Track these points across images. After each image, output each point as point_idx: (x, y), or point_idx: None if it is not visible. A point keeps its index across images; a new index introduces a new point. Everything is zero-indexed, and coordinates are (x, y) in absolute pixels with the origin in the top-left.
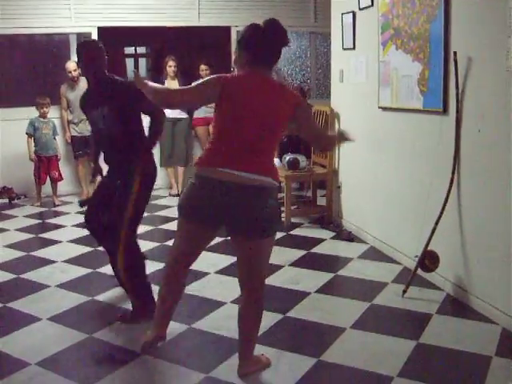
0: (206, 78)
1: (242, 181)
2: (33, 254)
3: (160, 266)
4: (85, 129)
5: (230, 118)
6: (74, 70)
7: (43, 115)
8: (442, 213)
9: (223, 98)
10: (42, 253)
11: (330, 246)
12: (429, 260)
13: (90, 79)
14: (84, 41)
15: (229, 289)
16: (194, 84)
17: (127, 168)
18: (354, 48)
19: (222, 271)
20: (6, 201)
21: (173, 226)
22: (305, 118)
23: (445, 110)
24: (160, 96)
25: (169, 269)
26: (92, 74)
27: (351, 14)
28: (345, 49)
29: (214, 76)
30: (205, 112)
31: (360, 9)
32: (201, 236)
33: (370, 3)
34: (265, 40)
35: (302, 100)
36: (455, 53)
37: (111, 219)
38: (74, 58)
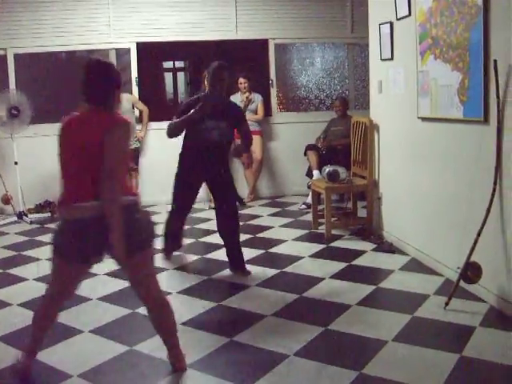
0: None
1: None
2: None
3: (201, 278)
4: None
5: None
6: None
7: None
8: (484, 224)
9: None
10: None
11: (370, 258)
12: (471, 271)
13: (218, 94)
14: (219, 63)
15: (269, 301)
16: None
17: (224, 163)
18: (392, 58)
19: (263, 284)
20: (49, 214)
21: (213, 238)
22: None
23: (485, 120)
24: None
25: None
26: (220, 91)
27: (389, 24)
28: (383, 59)
29: None
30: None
31: (397, 19)
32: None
33: (408, 13)
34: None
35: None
36: (495, 61)
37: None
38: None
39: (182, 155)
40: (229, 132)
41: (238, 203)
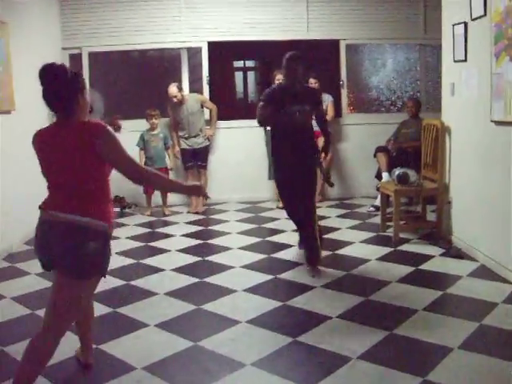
0: None
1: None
2: (142, 261)
3: (267, 277)
4: (194, 142)
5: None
6: (175, 96)
7: (152, 126)
8: None
9: None
10: (151, 261)
11: (438, 263)
12: None
13: (292, 82)
14: (290, 55)
15: (334, 303)
16: None
17: (312, 147)
18: (465, 60)
19: (329, 285)
20: (118, 209)
21: (280, 238)
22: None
23: None
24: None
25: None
26: (294, 80)
27: (463, 24)
28: (456, 61)
29: None
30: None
31: (472, 19)
32: None
33: (483, 13)
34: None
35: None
36: None
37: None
38: (186, 72)
39: (273, 145)
40: (311, 114)
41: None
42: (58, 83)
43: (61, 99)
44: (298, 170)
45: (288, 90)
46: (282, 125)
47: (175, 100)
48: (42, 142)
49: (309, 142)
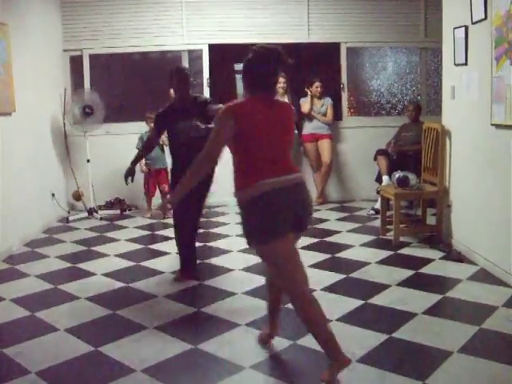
0: (217, 119)
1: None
2: (142, 264)
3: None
4: None
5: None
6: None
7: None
8: None
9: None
10: (150, 263)
11: (438, 267)
12: None
13: (180, 98)
14: (177, 67)
15: (334, 307)
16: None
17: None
18: (466, 63)
19: (328, 288)
20: (118, 212)
21: None
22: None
23: None
24: (198, 174)
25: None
26: (183, 94)
27: (463, 28)
28: (456, 64)
29: (225, 113)
30: (312, 128)
31: (473, 23)
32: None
33: (484, 16)
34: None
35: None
36: None
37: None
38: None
39: (173, 165)
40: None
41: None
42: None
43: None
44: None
45: (177, 106)
46: (176, 144)
47: None
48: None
49: None
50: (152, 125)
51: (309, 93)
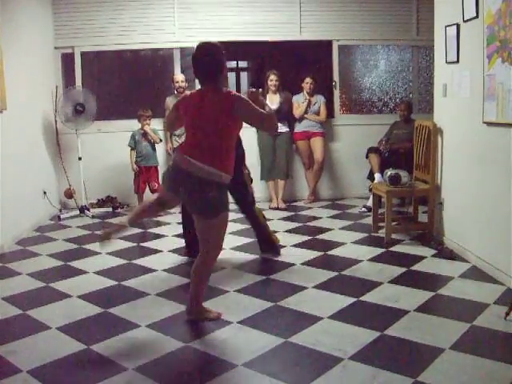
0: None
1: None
2: (134, 262)
3: (259, 277)
4: None
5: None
6: (182, 81)
7: (144, 130)
8: None
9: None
10: (142, 261)
11: (430, 264)
12: None
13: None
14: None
15: (326, 304)
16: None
17: None
18: (457, 61)
19: (320, 286)
20: (110, 209)
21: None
22: (245, 110)
23: None
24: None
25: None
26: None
27: (455, 26)
28: (448, 62)
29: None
30: (305, 126)
31: (464, 21)
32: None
33: (475, 15)
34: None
35: (237, 97)
36: None
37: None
38: (178, 71)
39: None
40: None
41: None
42: (214, 58)
43: (213, 71)
44: None
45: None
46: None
47: (180, 87)
48: (189, 103)
49: None
50: (145, 122)
51: (305, 94)
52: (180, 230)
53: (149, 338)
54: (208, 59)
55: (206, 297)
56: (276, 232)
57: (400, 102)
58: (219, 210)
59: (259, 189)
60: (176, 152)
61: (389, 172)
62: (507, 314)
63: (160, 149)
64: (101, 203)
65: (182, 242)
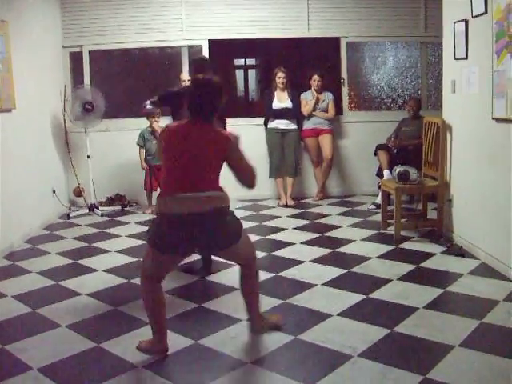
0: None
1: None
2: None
3: (268, 275)
4: None
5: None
6: (188, 80)
7: (153, 128)
8: None
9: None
10: None
11: (439, 261)
12: None
13: None
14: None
15: (335, 301)
16: None
17: None
18: (466, 58)
19: (329, 283)
20: (119, 207)
21: (281, 235)
22: (235, 157)
23: None
24: None
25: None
26: None
27: (463, 22)
28: (457, 58)
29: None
30: (313, 123)
31: (473, 17)
32: None
33: (484, 10)
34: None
35: (233, 143)
36: None
37: None
38: (186, 69)
39: None
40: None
41: None
42: (213, 95)
43: (210, 107)
44: None
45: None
46: None
47: (185, 85)
48: (175, 135)
49: None
50: (153, 120)
51: (313, 93)
52: None
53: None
54: (208, 94)
55: (214, 295)
56: (285, 229)
57: (409, 98)
58: (240, 226)
59: (268, 186)
60: (160, 202)
61: (398, 169)
62: None
63: None
64: (110, 201)
65: None
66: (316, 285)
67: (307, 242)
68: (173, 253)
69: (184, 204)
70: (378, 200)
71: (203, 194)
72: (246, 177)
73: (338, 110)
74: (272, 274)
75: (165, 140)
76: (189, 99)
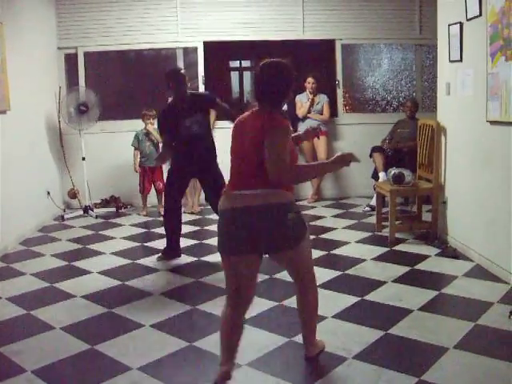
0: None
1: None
2: (138, 262)
3: (263, 277)
4: None
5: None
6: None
7: (148, 130)
8: None
9: None
10: (146, 261)
11: (434, 263)
12: None
13: (177, 97)
14: (173, 69)
15: (330, 303)
16: None
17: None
18: (461, 60)
19: (324, 285)
20: (114, 209)
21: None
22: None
23: None
24: None
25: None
26: (180, 93)
27: (458, 24)
28: (451, 61)
29: None
30: (308, 126)
31: (467, 19)
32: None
33: (478, 13)
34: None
35: (272, 126)
36: None
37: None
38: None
39: (173, 159)
40: (205, 121)
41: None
42: (284, 79)
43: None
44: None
45: (177, 105)
46: (182, 140)
47: None
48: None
49: (210, 153)
50: (148, 121)
51: (308, 94)
52: (183, 229)
53: (153, 338)
54: (274, 80)
55: (208, 299)
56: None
57: (406, 99)
58: (303, 232)
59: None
60: (225, 198)
61: (392, 171)
62: (511, 312)
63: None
64: (104, 203)
65: (187, 242)
66: None
67: None
68: (238, 252)
69: (236, 199)
70: (373, 202)
71: (255, 190)
72: (270, 167)
73: (333, 112)
74: (266, 276)
75: (234, 130)
76: (256, 86)
